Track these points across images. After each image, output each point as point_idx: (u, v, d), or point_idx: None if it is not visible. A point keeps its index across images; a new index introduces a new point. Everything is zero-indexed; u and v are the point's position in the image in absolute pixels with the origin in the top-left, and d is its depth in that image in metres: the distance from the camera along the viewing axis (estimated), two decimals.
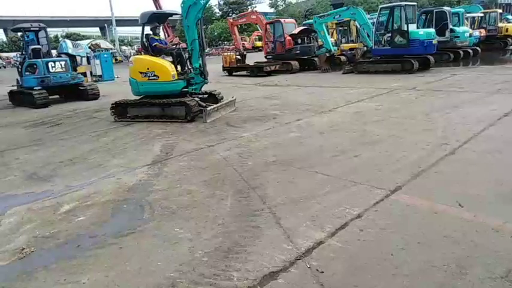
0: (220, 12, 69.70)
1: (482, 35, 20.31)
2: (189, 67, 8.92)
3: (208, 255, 2.91)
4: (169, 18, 10.69)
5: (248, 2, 68.40)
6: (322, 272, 2.60)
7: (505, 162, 4.47)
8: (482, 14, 22.11)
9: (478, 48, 18.81)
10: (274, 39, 18.57)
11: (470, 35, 17.88)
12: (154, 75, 8.33)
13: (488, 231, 2.96)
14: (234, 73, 19.39)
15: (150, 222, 3.56)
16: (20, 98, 13.17)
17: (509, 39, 23.28)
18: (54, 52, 16.51)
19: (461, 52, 17.26)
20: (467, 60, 17.45)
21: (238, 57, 19.67)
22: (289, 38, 17.98)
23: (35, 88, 12.08)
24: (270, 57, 19.19)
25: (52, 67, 12.45)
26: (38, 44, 13.08)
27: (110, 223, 3.66)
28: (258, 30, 42.10)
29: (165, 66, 8.34)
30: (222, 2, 70.08)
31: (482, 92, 9.14)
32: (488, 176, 4.08)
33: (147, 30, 8.98)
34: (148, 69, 8.37)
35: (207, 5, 8.25)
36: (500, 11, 24.15)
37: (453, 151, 4.93)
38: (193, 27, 8.10)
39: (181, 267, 2.78)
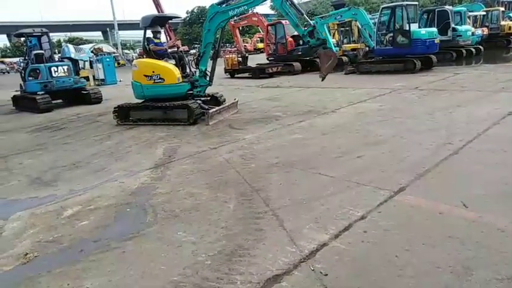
0: None
1: (484, 33, 20.20)
2: (191, 70, 8.93)
3: (212, 258, 2.90)
4: (171, 21, 10.73)
5: None
6: (326, 275, 2.58)
7: (509, 161, 4.43)
8: (484, 13, 22.02)
9: (480, 46, 18.71)
10: (276, 40, 18.57)
11: (473, 34, 17.79)
12: (160, 78, 8.32)
13: (493, 232, 2.93)
14: (236, 75, 19.42)
15: (153, 226, 3.55)
16: (23, 103, 13.26)
17: None
18: (57, 57, 16.59)
19: (463, 51, 17.18)
20: (470, 59, 17.35)
21: (240, 59, 19.69)
22: (290, 39, 17.95)
23: (38, 93, 12.15)
24: (271, 58, 19.19)
25: (55, 72, 12.52)
26: (41, 49, 13.18)
27: (113, 227, 3.66)
28: (259, 32, 42.10)
29: (171, 69, 8.35)
30: None
31: (485, 91, 9.09)
32: (492, 176, 4.04)
33: (150, 33, 8.99)
34: (153, 72, 8.36)
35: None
36: (502, 9, 24.02)
37: (457, 151, 4.90)
38: (213, 32, 8.49)
39: (185, 271, 2.77)
